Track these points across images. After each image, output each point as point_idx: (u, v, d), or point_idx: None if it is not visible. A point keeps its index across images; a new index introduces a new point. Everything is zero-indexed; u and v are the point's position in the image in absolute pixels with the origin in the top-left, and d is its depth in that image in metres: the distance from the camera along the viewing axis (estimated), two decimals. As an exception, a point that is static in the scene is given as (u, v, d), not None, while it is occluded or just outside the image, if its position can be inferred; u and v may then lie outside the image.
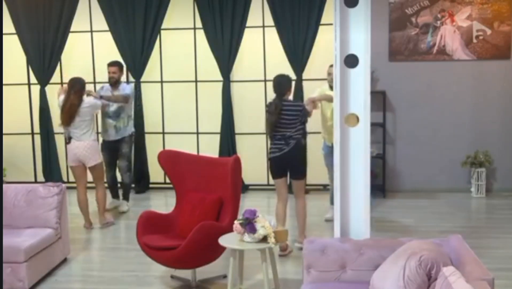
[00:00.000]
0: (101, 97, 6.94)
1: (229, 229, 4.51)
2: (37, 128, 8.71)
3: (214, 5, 8.08)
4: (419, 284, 3.09)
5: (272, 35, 8.17)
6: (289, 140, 5.75)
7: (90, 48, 8.62)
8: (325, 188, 8.21)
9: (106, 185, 7.13)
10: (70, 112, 6.52)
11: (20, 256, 4.79)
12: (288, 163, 5.81)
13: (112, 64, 7.22)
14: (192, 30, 8.46)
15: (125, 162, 7.35)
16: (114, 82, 7.16)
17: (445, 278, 2.92)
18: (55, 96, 7.50)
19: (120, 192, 7.65)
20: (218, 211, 4.96)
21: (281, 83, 5.81)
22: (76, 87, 6.57)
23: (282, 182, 5.88)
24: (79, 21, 8.41)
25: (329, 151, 6.57)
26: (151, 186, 8.66)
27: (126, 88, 7.29)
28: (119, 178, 7.71)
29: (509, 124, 8.08)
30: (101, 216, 6.85)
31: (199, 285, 4.98)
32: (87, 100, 6.62)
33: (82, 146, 6.58)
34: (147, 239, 4.82)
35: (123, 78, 8.46)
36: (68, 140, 6.71)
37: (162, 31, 8.42)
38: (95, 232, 6.74)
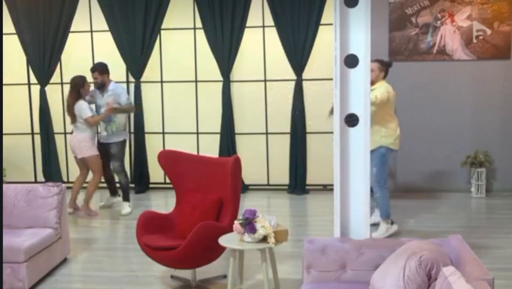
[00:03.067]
0: (115, 109, 7.18)
1: (229, 229, 4.50)
2: (37, 128, 8.71)
3: (214, 5, 8.08)
4: (419, 284, 3.09)
5: (272, 35, 8.17)
6: None
7: (90, 48, 8.63)
8: (325, 188, 8.22)
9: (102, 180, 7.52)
10: (68, 110, 7.11)
11: (20, 256, 4.79)
12: None
13: (92, 70, 7.30)
14: (192, 30, 8.46)
15: (115, 162, 7.35)
16: (100, 86, 7.27)
17: (445, 278, 2.92)
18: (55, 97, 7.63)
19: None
20: (218, 211, 4.96)
21: None
22: (71, 86, 7.13)
23: None
24: (79, 21, 8.42)
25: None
26: (151, 186, 8.66)
27: (122, 93, 7.33)
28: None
29: (509, 124, 8.08)
30: (84, 204, 7.22)
31: (199, 285, 4.98)
32: (78, 104, 7.02)
33: (74, 139, 7.15)
34: (147, 239, 4.81)
35: (124, 78, 8.53)
36: (71, 132, 7.30)
37: (162, 31, 8.42)
38: (95, 232, 6.75)
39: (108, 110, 7.09)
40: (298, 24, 7.98)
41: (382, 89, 6.10)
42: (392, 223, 6.28)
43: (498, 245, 5.90)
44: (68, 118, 7.46)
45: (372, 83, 6.16)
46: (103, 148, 7.35)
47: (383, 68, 6.21)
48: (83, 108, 7.01)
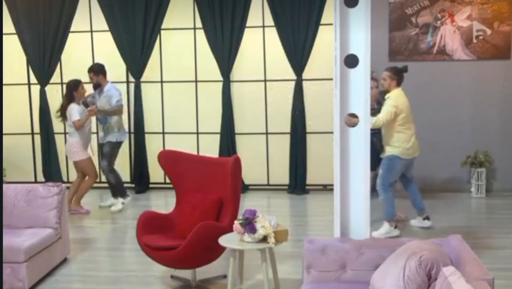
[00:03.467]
0: (98, 111, 7.29)
1: (229, 229, 4.50)
2: (37, 128, 8.72)
3: (214, 5, 8.08)
4: (419, 284, 3.09)
5: (272, 35, 8.17)
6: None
7: (90, 48, 8.63)
8: (325, 188, 8.21)
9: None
10: (61, 110, 7.30)
11: (20, 256, 4.79)
12: None
13: (88, 71, 7.45)
14: (192, 30, 8.46)
15: (104, 162, 7.49)
16: (95, 86, 7.45)
17: (445, 278, 2.92)
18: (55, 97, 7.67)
19: None
20: (218, 211, 4.96)
21: None
22: (66, 88, 7.30)
23: None
24: (79, 21, 8.42)
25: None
26: (151, 186, 8.66)
27: (113, 95, 7.36)
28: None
29: (509, 124, 8.08)
30: (74, 202, 7.34)
31: (199, 285, 4.98)
32: (70, 107, 7.13)
33: (67, 142, 7.46)
34: (147, 239, 4.81)
35: (124, 78, 8.53)
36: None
37: (162, 31, 8.42)
38: (95, 232, 6.75)
39: (88, 112, 7.20)
40: (298, 24, 7.97)
41: (388, 106, 6.09)
42: (395, 227, 6.28)
43: (498, 245, 5.90)
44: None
45: (386, 92, 6.20)
46: (100, 148, 7.63)
47: (395, 76, 6.19)
48: (73, 112, 7.14)
